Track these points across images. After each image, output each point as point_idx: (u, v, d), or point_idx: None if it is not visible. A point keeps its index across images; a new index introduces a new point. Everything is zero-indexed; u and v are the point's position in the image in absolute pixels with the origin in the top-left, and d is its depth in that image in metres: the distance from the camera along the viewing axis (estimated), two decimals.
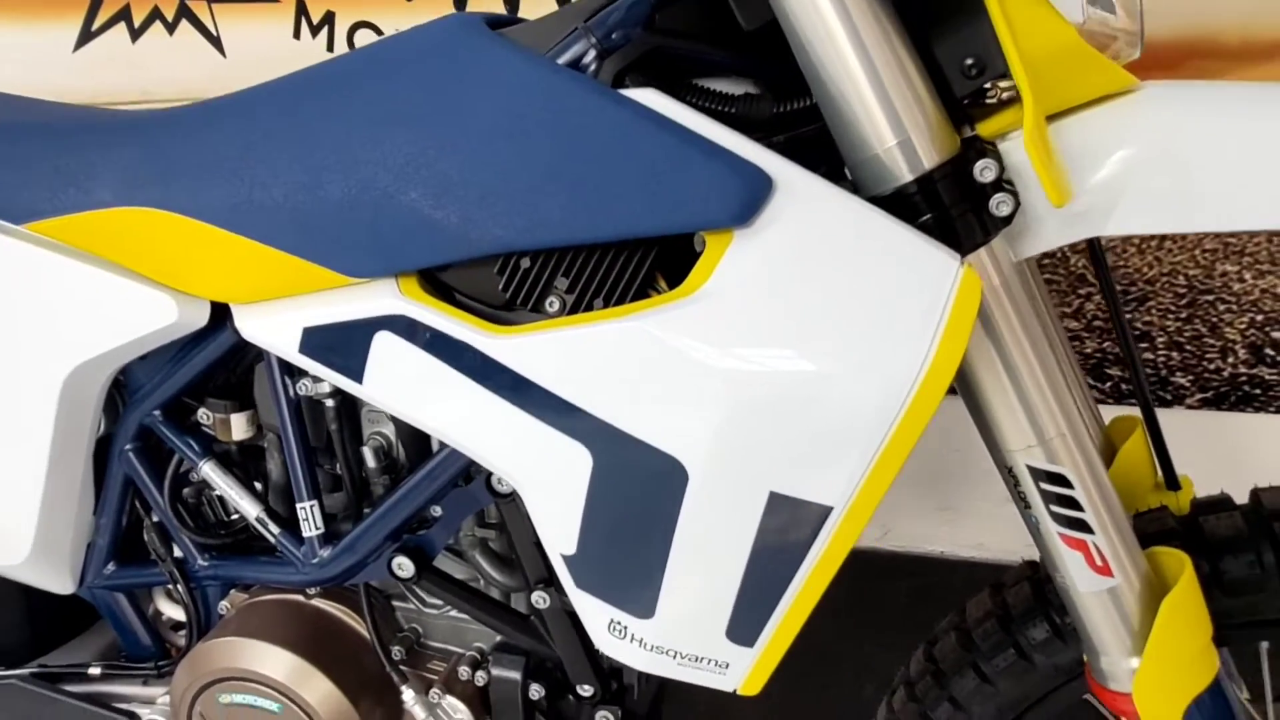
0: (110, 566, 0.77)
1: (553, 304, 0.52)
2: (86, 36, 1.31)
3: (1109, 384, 1.25)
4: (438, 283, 0.56)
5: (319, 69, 0.61)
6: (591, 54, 0.52)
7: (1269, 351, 1.17)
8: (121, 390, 0.72)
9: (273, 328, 0.60)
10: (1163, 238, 1.14)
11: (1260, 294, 1.14)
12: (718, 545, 0.48)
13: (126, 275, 0.62)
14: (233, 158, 0.58)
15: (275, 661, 0.70)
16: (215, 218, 0.58)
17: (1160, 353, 1.21)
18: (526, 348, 0.51)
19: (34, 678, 0.82)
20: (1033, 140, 0.45)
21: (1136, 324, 1.20)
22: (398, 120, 0.54)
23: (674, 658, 0.54)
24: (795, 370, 0.45)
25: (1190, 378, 1.21)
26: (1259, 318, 1.16)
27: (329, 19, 1.21)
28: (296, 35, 1.23)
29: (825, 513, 0.46)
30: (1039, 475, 0.51)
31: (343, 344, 0.57)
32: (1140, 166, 0.49)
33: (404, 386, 0.55)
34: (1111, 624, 0.53)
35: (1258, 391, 1.20)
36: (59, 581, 0.77)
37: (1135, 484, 0.69)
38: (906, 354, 0.43)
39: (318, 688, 0.69)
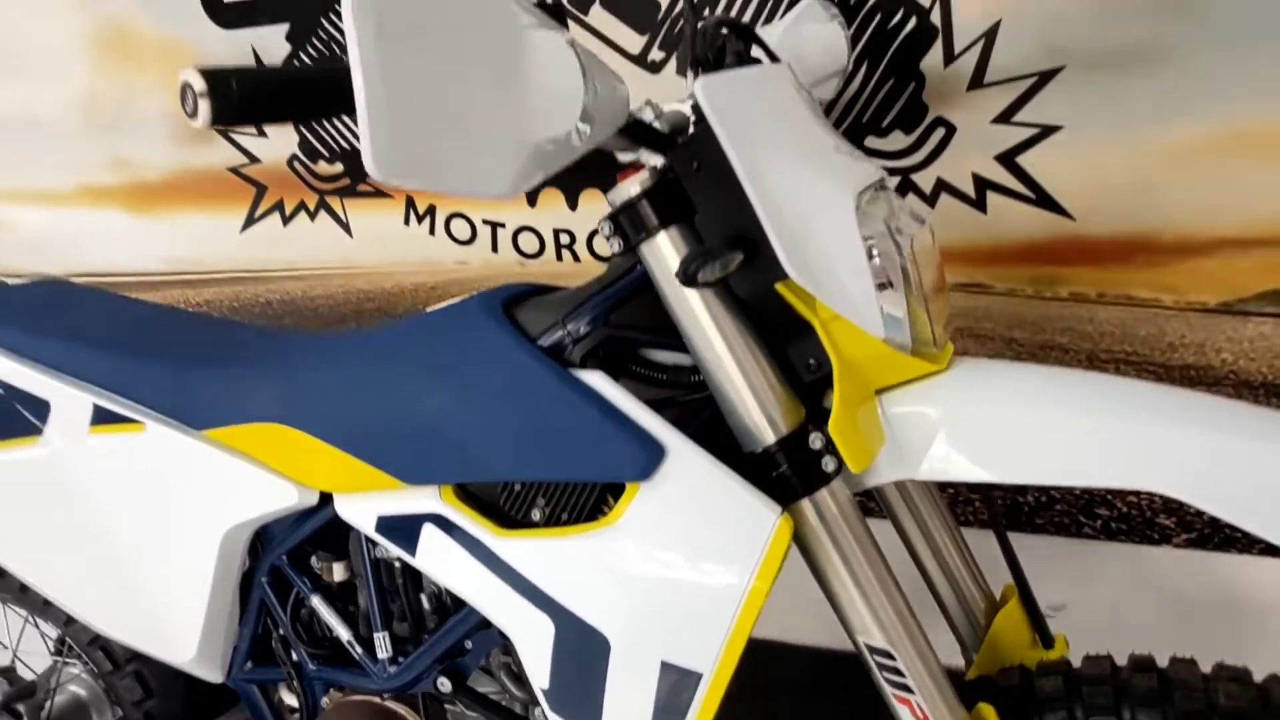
0: (248, 665, 1.05)
1: (535, 515, 0.76)
2: (250, 222, 1.67)
3: (1099, 522, 1.38)
4: (467, 490, 0.81)
5: (387, 330, 0.88)
6: (566, 340, 0.77)
7: None
8: (261, 539, 1.00)
9: (358, 513, 0.86)
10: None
11: None
12: (633, 691, 0.71)
13: (265, 469, 0.90)
14: (332, 393, 0.86)
15: None
16: (323, 435, 0.86)
17: (1143, 497, 1.34)
18: (515, 548, 0.75)
19: None
20: (836, 425, 0.67)
21: None
22: (427, 377, 0.79)
23: None
24: (673, 579, 0.67)
25: (1173, 520, 1.34)
26: None
27: (431, 210, 1.52)
28: (406, 223, 1.54)
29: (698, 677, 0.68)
30: (871, 649, 0.71)
31: (402, 529, 0.83)
32: (943, 426, 0.70)
33: (440, 563, 0.80)
34: None
35: (1239, 534, 1.31)
36: (212, 674, 1.05)
37: (1014, 640, 0.87)
38: (737, 575, 0.65)
39: None
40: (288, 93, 0.48)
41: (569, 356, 0.76)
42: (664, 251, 0.69)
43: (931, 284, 0.73)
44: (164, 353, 0.99)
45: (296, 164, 1.59)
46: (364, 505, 0.86)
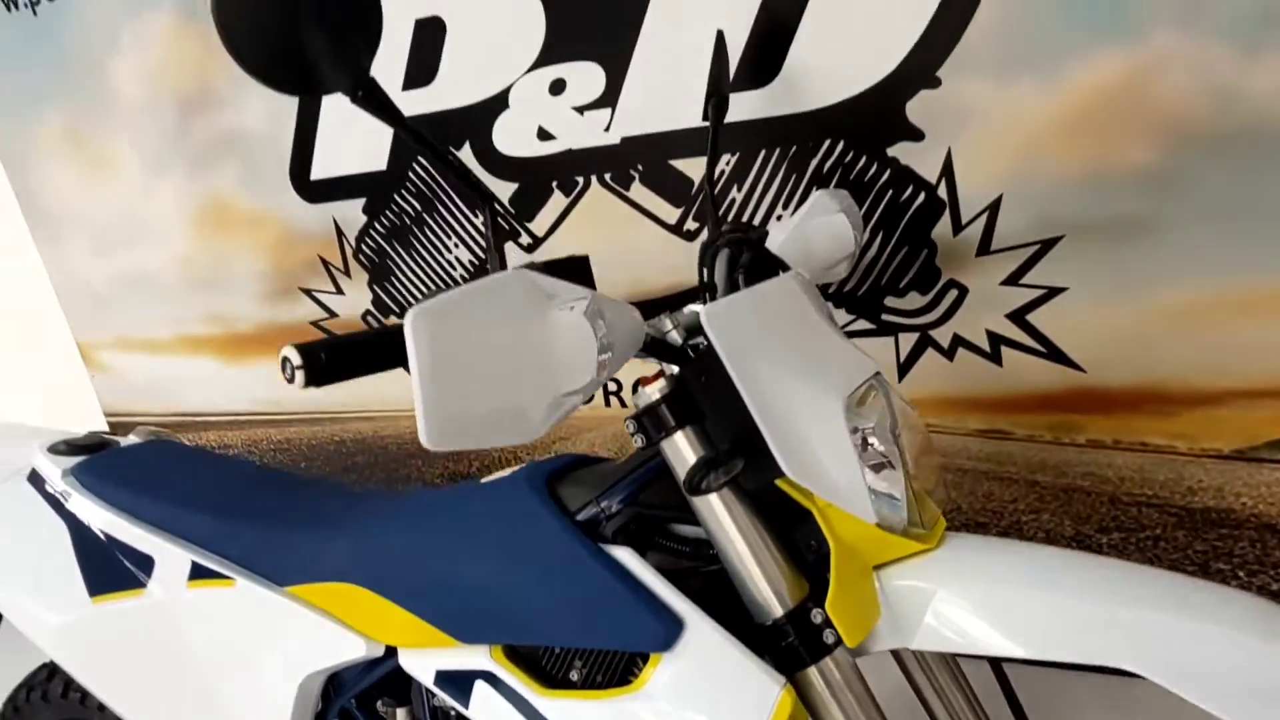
0: None
1: (574, 675, 0.86)
2: None
3: None
4: (516, 649, 0.91)
5: (446, 496, 0.99)
6: (601, 516, 0.87)
7: None
8: (334, 684, 1.10)
9: (419, 666, 0.96)
10: (1157, 537, 1.33)
11: (1258, 591, 1.30)
12: None
13: (339, 624, 1.01)
14: (395, 557, 0.97)
15: None
16: (389, 594, 0.96)
17: None
18: (555, 707, 0.84)
19: None
20: (833, 603, 0.75)
21: None
22: (478, 546, 0.90)
23: None
24: None
25: None
26: None
27: None
28: None
29: None
30: None
31: (457, 683, 0.92)
32: (934, 601, 0.77)
33: (491, 715, 0.90)
34: None
35: None
36: None
37: None
38: None
39: None
40: (363, 354, 0.61)
41: (603, 531, 0.87)
42: (681, 449, 0.80)
43: (920, 469, 0.82)
44: (254, 513, 1.11)
45: (369, 317, 1.76)
46: (424, 659, 0.96)
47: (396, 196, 1.64)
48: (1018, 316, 1.29)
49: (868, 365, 0.85)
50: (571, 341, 0.60)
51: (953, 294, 1.31)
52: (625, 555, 0.82)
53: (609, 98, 1.41)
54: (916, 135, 1.26)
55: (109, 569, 1.14)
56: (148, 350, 2.05)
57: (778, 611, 0.77)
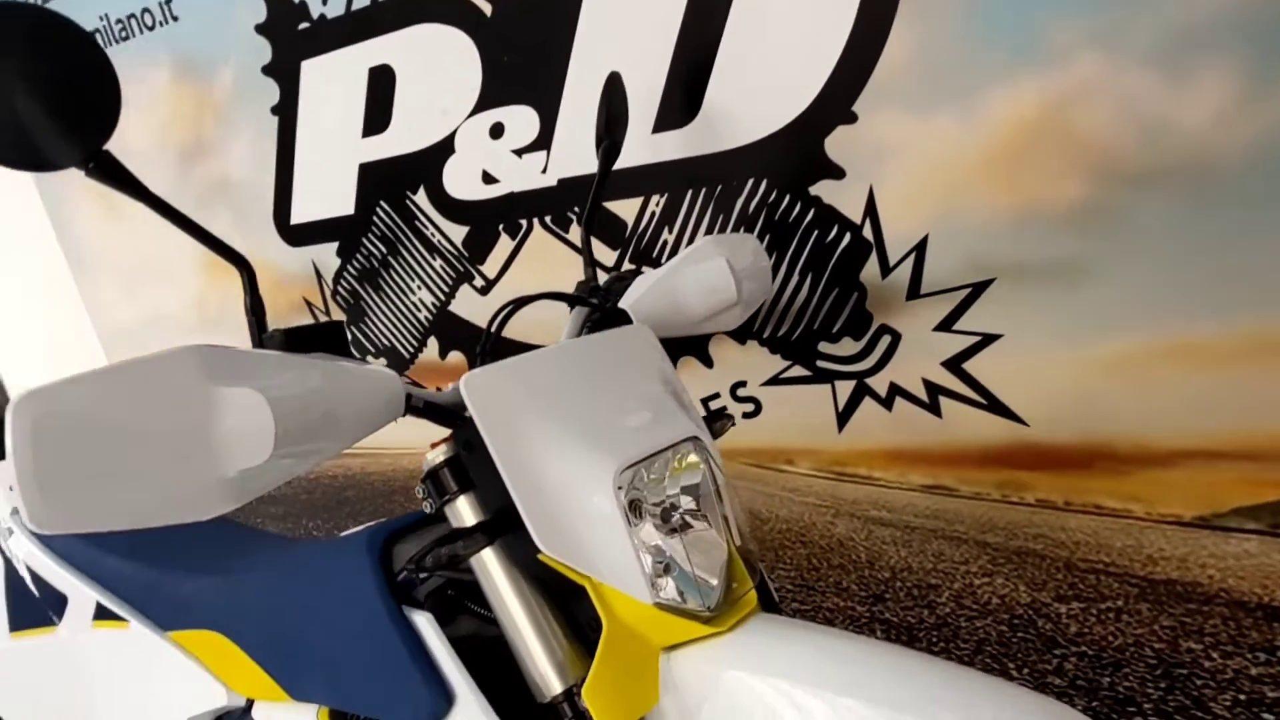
0: None
1: None
2: None
3: None
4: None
5: (308, 548, 0.99)
6: (416, 579, 0.85)
7: None
8: None
9: (260, 717, 0.96)
10: (1119, 610, 1.20)
11: (1234, 674, 1.15)
12: None
13: (206, 672, 1.02)
14: (250, 608, 0.97)
15: None
16: (243, 645, 0.97)
17: (1150, 719, 1.23)
18: None
19: None
20: (588, 687, 0.70)
21: (1118, 688, 1.24)
22: (312, 604, 0.89)
23: None
24: None
25: None
26: (1241, 697, 1.16)
27: None
28: None
29: None
30: None
31: None
32: (710, 694, 0.71)
33: None
34: None
35: None
36: None
37: None
38: None
39: None
40: None
41: (416, 594, 0.85)
42: (463, 515, 0.77)
43: (713, 551, 0.76)
44: (157, 558, 1.14)
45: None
46: (270, 712, 0.96)
47: (364, 240, 1.67)
48: (954, 365, 1.19)
49: (681, 429, 0.80)
50: (240, 418, 0.59)
51: (886, 340, 1.23)
52: (423, 621, 0.80)
53: (544, 140, 1.40)
54: (837, 173, 1.19)
55: (28, 606, 1.20)
56: None
57: (554, 689, 0.74)
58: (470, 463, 0.75)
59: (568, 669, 0.74)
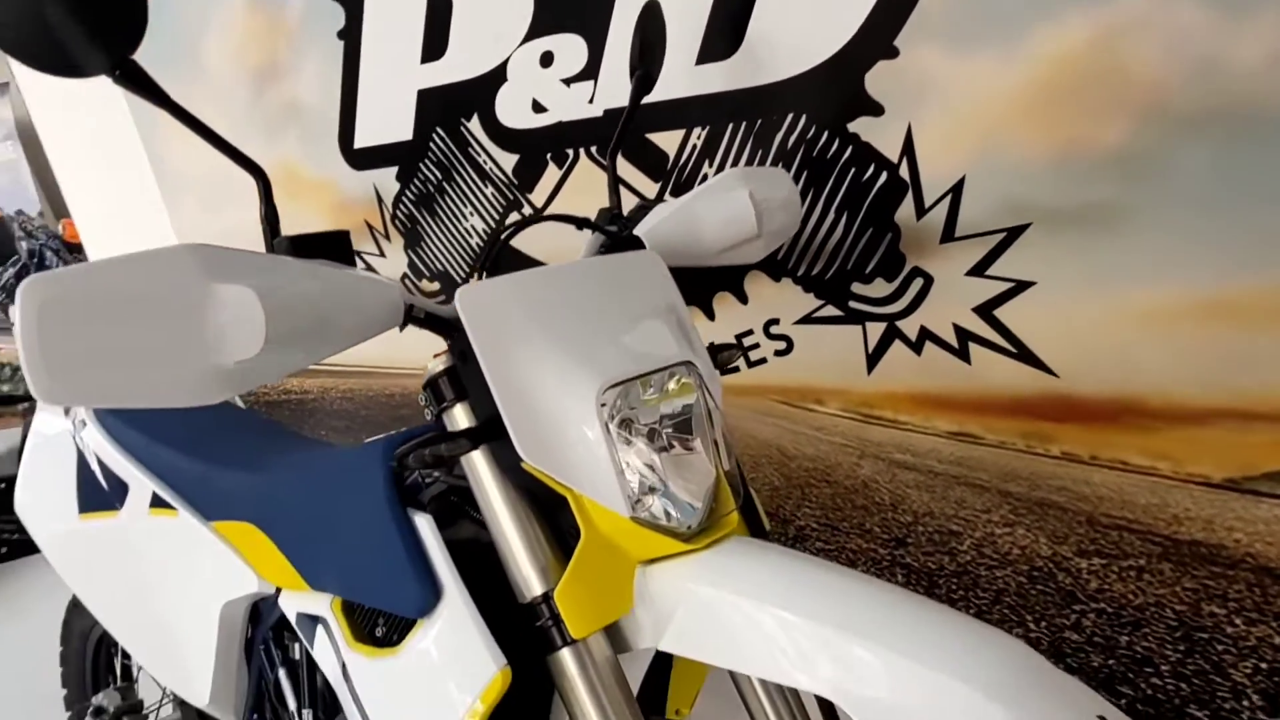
0: (254, 715, 1.25)
1: (378, 632, 0.89)
2: None
3: (1124, 700, 1.26)
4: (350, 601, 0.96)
5: (336, 453, 1.05)
6: (421, 483, 0.90)
7: None
8: (256, 614, 1.21)
9: (290, 606, 1.03)
10: (1141, 568, 1.18)
11: (1258, 641, 1.12)
12: None
13: (241, 560, 1.11)
14: (282, 503, 1.04)
15: None
16: (273, 537, 1.04)
17: (1167, 680, 1.21)
18: (353, 657, 0.88)
19: None
20: (561, 592, 0.74)
21: (1136, 648, 1.22)
22: (333, 502, 0.95)
23: None
24: (421, 706, 0.77)
25: (1207, 713, 1.19)
26: (1264, 665, 1.13)
27: None
28: None
29: None
30: None
31: (308, 624, 0.99)
32: (679, 606, 0.74)
33: (323, 658, 0.96)
34: None
35: None
36: (229, 717, 1.26)
37: None
38: (457, 712, 0.74)
39: None
40: None
41: (421, 498, 0.89)
42: (459, 422, 0.81)
43: (699, 474, 0.78)
44: (207, 454, 1.23)
45: (407, 281, 1.86)
46: (293, 600, 1.03)
47: (421, 165, 1.72)
48: (985, 311, 1.17)
49: (674, 353, 0.82)
50: (233, 314, 0.63)
51: (918, 283, 1.21)
52: (423, 522, 0.85)
53: (591, 70, 1.40)
54: (876, 110, 1.17)
55: (96, 492, 1.30)
56: None
57: (534, 591, 0.78)
58: (465, 373, 0.79)
59: (549, 573, 0.78)
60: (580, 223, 0.96)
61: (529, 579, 0.78)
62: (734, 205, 1.02)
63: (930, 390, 1.26)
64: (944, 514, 1.32)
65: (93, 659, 1.66)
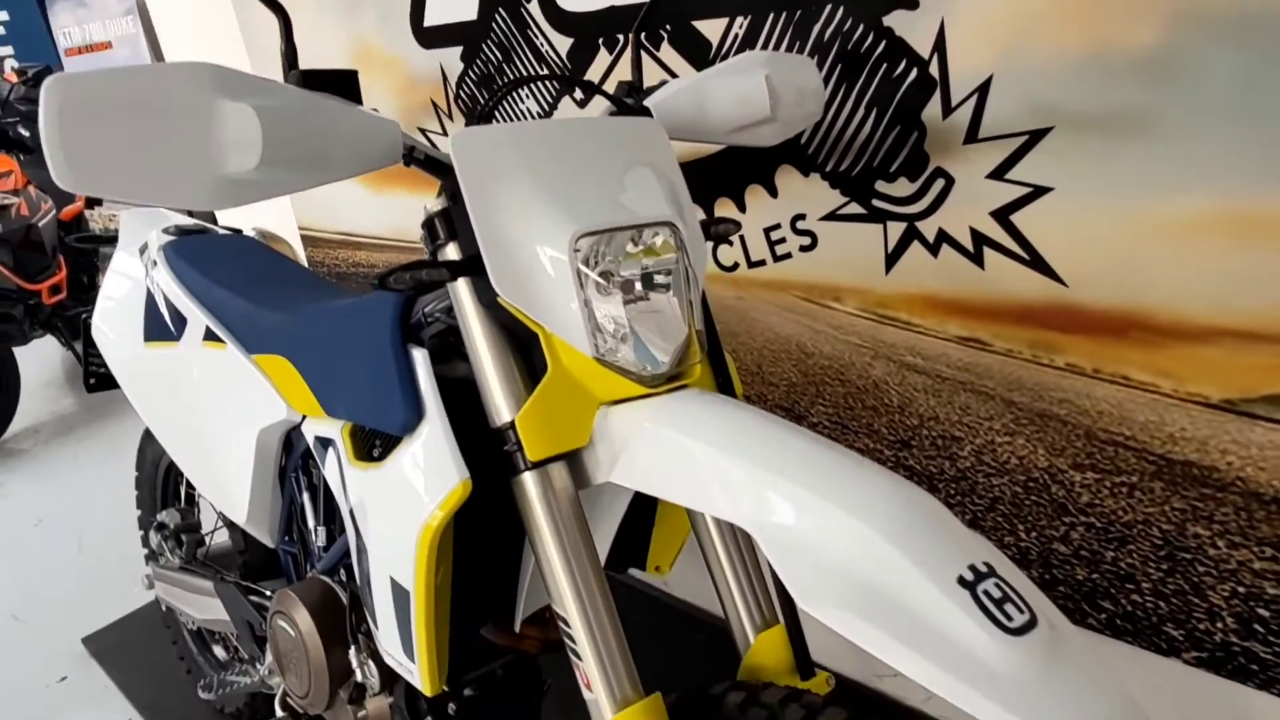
0: (286, 536, 1.39)
1: (375, 452, 0.98)
2: None
3: (1103, 615, 1.28)
4: (359, 426, 1.05)
5: (362, 296, 1.13)
6: (424, 323, 0.98)
7: (1259, 628, 1.13)
8: (290, 442, 1.32)
9: (310, 431, 1.14)
10: (1133, 485, 1.18)
11: (1238, 565, 1.12)
12: (382, 597, 0.91)
13: (273, 389, 1.21)
14: (309, 338, 1.14)
15: None
16: (300, 368, 1.14)
17: (1147, 598, 1.23)
18: (353, 473, 0.98)
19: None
20: (522, 418, 0.81)
21: (1120, 564, 1.23)
22: (350, 335, 1.04)
23: (400, 666, 0.97)
24: (399, 512, 0.86)
25: (1182, 632, 1.21)
26: (1240, 589, 1.13)
27: None
28: None
29: (408, 594, 0.86)
30: (559, 615, 0.84)
31: (322, 448, 1.09)
32: (630, 442, 0.80)
33: (331, 476, 1.06)
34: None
35: (1254, 667, 1.16)
36: (265, 538, 1.40)
37: (772, 662, 0.92)
38: (423, 515, 0.82)
39: None
40: None
41: (422, 336, 0.97)
42: (451, 259, 0.87)
43: (670, 327, 0.83)
44: (255, 295, 1.34)
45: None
46: (312, 426, 1.13)
47: (483, 46, 1.76)
48: (1002, 216, 1.17)
49: (659, 212, 0.86)
50: (234, 129, 0.70)
51: (940, 184, 1.21)
52: (418, 355, 0.93)
53: None
54: (911, 3, 1.15)
55: (159, 323, 1.43)
56: None
57: (504, 418, 0.84)
58: (456, 214, 0.85)
59: (519, 402, 0.84)
60: (589, 87, 0.99)
61: (499, 406, 0.85)
62: (748, 86, 1.04)
63: (944, 294, 1.27)
64: (948, 419, 1.34)
65: (162, 484, 1.83)
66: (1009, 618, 0.61)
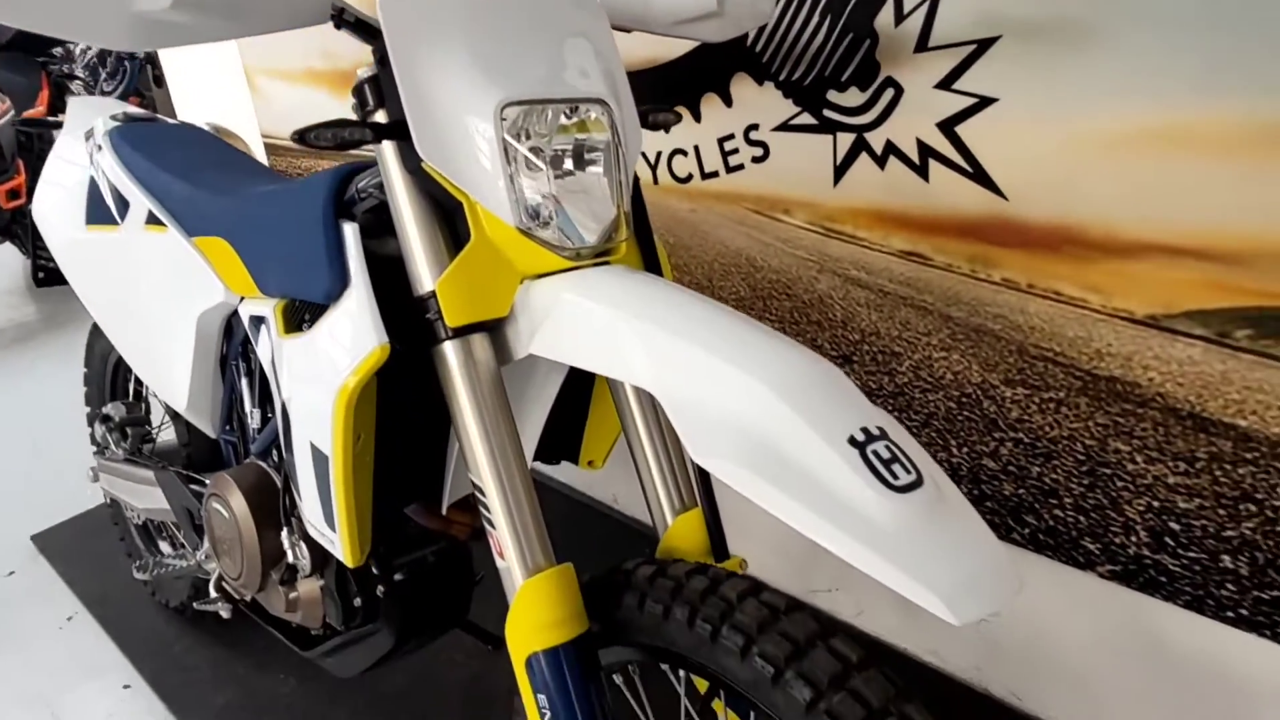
0: (227, 426, 1.39)
1: (306, 322, 0.98)
2: None
3: (1027, 530, 1.32)
4: (291, 303, 1.05)
5: (305, 178, 1.13)
6: (357, 199, 0.97)
7: (1169, 542, 1.17)
8: (231, 329, 1.32)
9: (246, 313, 1.14)
10: (1060, 401, 1.21)
11: (1154, 480, 1.16)
12: (303, 460, 0.92)
13: (212, 272, 1.21)
14: (246, 219, 1.13)
15: None
16: (238, 249, 1.14)
17: (1068, 512, 1.26)
18: (281, 343, 0.98)
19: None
20: (442, 284, 0.81)
21: (1045, 479, 1.26)
22: (285, 215, 1.03)
23: (322, 537, 0.98)
24: (319, 376, 0.87)
25: (1099, 546, 1.25)
26: (1155, 503, 1.17)
27: None
28: None
29: (327, 459, 0.87)
30: (475, 485, 0.85)
31: (256, 327, 1.09)
32: (550, 314, 0.81)
33: (262, 351, 1.06)
34: (507, 588, 0.85)
35: (1163, 579, 1.19)
36: (207, 428, 1.40)
37: (689, 544, 0.94)
38: (340, 379, 0.83)
39: None
40: None
41: (355, 211, 0.97)
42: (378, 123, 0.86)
43: (598, 205, 0.83)
44: (198, 179, 1.32)
45: None
46: (249, 306, 1.13)
47: None
48: (947, 127, 1.17)
49: (592, 89, 0.85)
50: None
51: (889, 94, 1.21)
52: (348, 229, 0.92)
53: None
54: None
55: (101, 207, 1.41)
56: (284, 79, 2.34)
57: (426, 286, 0.84)
58: (385, 78, 0.84)
59: (443, 270, 0.84)
60: None
61: (422, 274, 0.85)
62: None
63: (889, 207, 1.28)
64: (889, 334, 1.36)
65: (111, 379, 1.82)
66: (895, 476, 0.63)
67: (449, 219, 0.86)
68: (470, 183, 0.81)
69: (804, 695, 0.70)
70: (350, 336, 0.85)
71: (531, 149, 0.81)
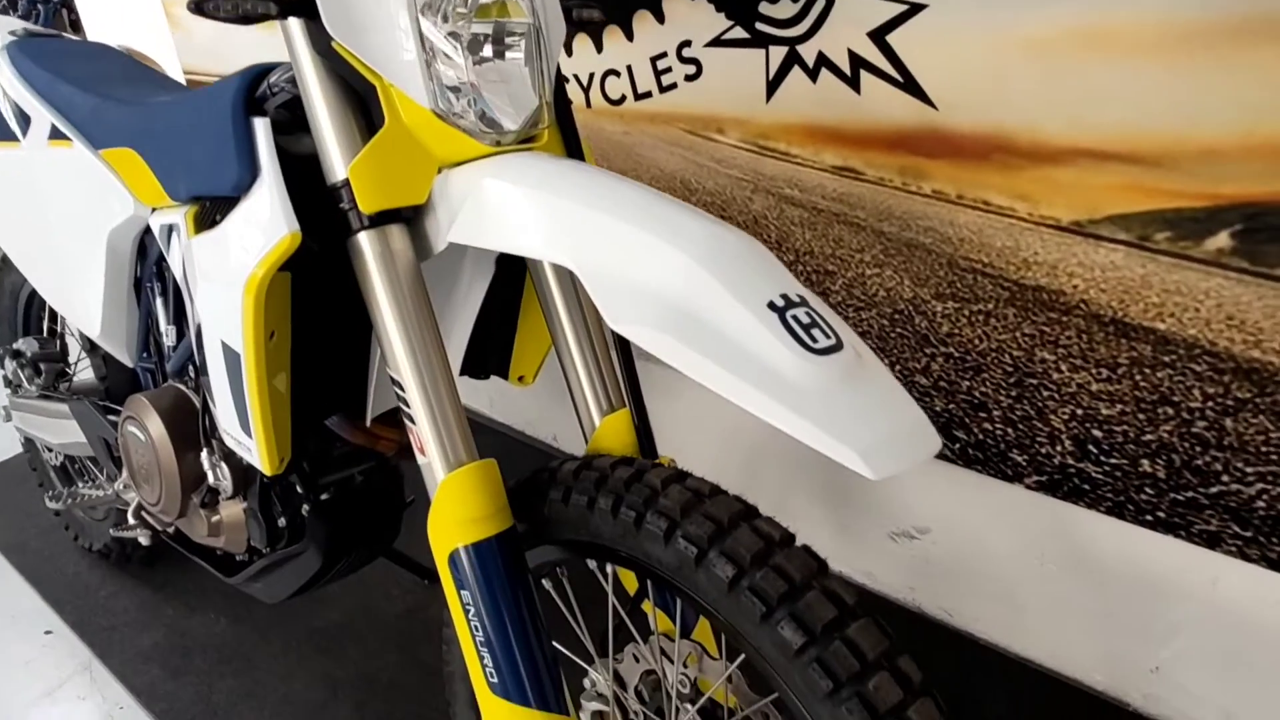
0: (144, 354, 1.34)
1: (217, 220, 0.94)
2: None
3: (957, 446, 1.33)
4: (204, 206, 1.00)
5: (220, 82, 1.08)
6: (269, 95, 0.93)
7: (1092, 449, 1.19)
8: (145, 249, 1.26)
9: (157, 224, 1.08)
10: (989, 313, 1.22)
11: (1077, 388, 1.18)
12: (216, 360, 0.88)
13: (122, 185, 1.15)
14: (155, 126, 1.08)
15: None
16: (146, 158, 1.08)
17: (997, 425, 1.28)
18: (191, 243, 0.94)
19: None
20: (355, 168, 0.78)
21: (975, 393, 1.28)
22: (197, 118, 0.98)
23: (239, 445, 0.95)
24: (231, 271, 0.83)
25: (1025, 457, 1.27)
26: (1079, 411, 1.19)
27: None
28: None
29: (238, 356, 0.84)
30: (394, 380, 0.83)
31: (167, 235, 1.04)
32: (468, 199, 0.78)
33: (173, 259, 1.01)
34: (429, 484, 0.83)
35: (1086, 487, 1.22)
36: (124, 357, 1.35)
37: (617, 442, 0.93)
38: (250, 269, 0.79)
39: None
40: None
41: (266, 107, 0.92)
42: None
43: (519, 92, 0.81)
44: (104, 91, 1.25)
45: None
46: (160, 216, 1.08)
47: None
48: (878, 36, 1.16)
49: None
50: None
51: (820, 3, 1.20)
52: (258, 122, 0.88)
53: None
54: None
55: (0, 122, 1.34)
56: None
57: (339, 175, 0.81)
58: None
59: (346, 159, 0.81)
60: None
61: (334, 161, 0.81)
62: None
63: (822, 121, 1.27)
64: (822, 253, 1.35)
65: (24, 314, 1.74)
66: (814, 340, 0.62)
67: (363, 104, 0.82)
68: (383, 64, 0.78)
69: (726, 573, 0.69)
70: (260, 227, 0.82)
71: (449, 33, 0.78)
